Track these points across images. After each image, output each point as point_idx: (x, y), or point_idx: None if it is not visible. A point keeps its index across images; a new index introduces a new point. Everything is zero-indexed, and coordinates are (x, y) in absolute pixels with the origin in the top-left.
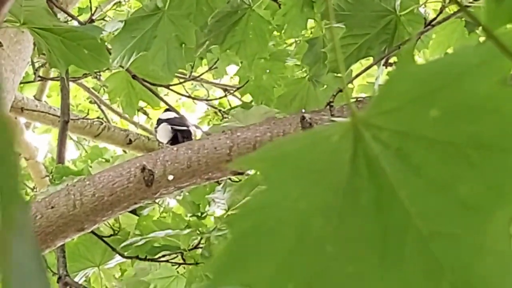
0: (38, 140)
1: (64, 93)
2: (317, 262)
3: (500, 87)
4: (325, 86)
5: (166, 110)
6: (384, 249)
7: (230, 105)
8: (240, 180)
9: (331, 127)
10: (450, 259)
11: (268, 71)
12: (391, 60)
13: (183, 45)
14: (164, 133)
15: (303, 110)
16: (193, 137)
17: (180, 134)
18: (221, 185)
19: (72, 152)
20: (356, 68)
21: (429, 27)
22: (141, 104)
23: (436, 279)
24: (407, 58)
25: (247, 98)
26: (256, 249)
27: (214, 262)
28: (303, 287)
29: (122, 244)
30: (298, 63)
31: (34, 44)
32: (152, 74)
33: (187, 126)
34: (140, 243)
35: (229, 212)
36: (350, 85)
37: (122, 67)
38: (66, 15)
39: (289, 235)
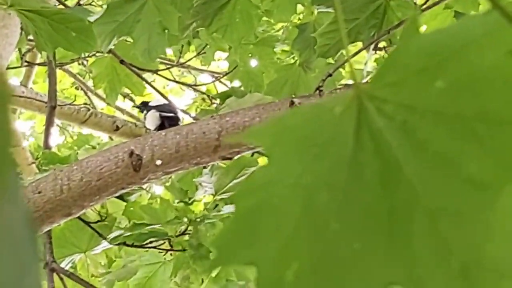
0: (23, 126)
1: (51, 78)
2: (322, 239)
3: (508, 58)
4: (316, 71)
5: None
6: (391, 226)
7: (217, 91)
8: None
9: (334, 99)
10: (459, 237)
11: (256, 56)
12: (380, 45)
13: (166, 31)
14: (152, 120)
15: (294, 95)
16: (180, 124)
17: (167, 121)
18: (208, 169)
19: (56, 138)
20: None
21: (418, 12)
22: (128, 90)
23: (445, 257)
24: (412, 29)
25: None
26: (260, 226)
27: (218, 239)
28: (308, 265)
29: (110, 236)
30: (287, 48)
31: (21, 29)
32: (138, 60)
33: (175, 113)
34: (127, 233)
35: (217, 196)
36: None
37: (102, 52)
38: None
39: (293, 212)
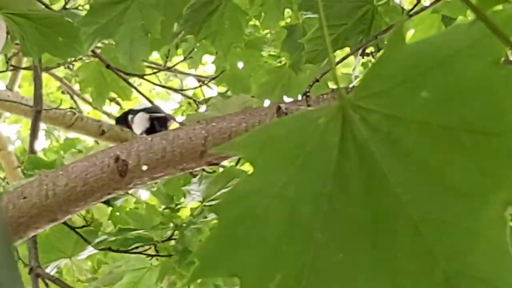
0: (8, 130)
1: (37, 82)
2: (307, 251)
3: (493, 68)
4: (307, 72)
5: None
6: (375, 236)
7: (204, 95)
8: (214, 171)
9: (318, 109)
10: (443, 246)
11: (243, 59)
12: (368, 51)
13: (149, 35)
14: (141, 122)
15: (285, 97)
16: (169, 125)
17: (157, 122)
18: (197, 177)
19: (41, 142)
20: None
21: (405, 17)
22: (114, 94)
23: (429, 267)
24: (397, 39)
25: (222, 89)
26: (243, 237)
27: (200, 250)
28: (292, 276)
29: (96, 241)
30: (273, 53)
31: (7, 33)
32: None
33: (163, 114)
34: (112, 238)
35: (204, 203)
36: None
37: (88, 56)
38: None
39: (277, 223)
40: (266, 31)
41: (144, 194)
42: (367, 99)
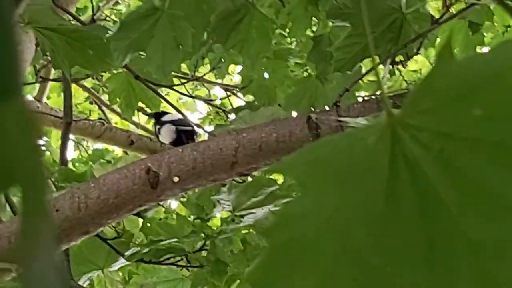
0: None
1: (67, 94)
2: (361, 275)
3: None
4: (334, 82)
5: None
6: (431, 259)
7: (231, 104)
8: (244, 181)
9: (367, 128)
10: (504, 268)
11: (269, 70)
12: (397, 59)
13: (180, 46)
14: (167, 134)
15: (313, 109)
16: (196, 138)
17: (184, 135)
18: (227, 187)
19: (70, 152)
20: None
21: (435, 25)
22: (142, 104)
23: None
24: (445, 54)
25: (249, 98)
26: (295, 262)
27: (252, 274)
28: None
29: (127, 253)
30: (299, 61)
31: (36, 45)
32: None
33: (191, 126)
34: (144, 250)
35: (235, 213)
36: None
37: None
38: (67, 15)
39: (329, 247)
40: (293, 41)
41: (173, 203)
42: (417, 116)
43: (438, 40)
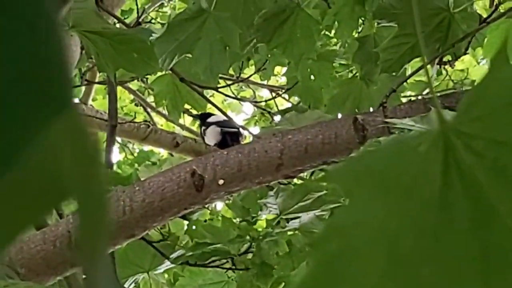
0: None
1: (112, 97)
2: (411, 287)
3: None
4: (379, 84)
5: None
6: (485, 271)
7: (277, 106)
8: (290, 183)
9: (417, 135)
10: None
11: (315, 72)
12: (444, 59)
13: (227, 47)
14: (212, 135)
15: (357, 110)
16: (241, 139)
17: (229, 137)
18: (274, 190)
19: (116, 154)
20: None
21: (484, 24)
22: (187, 105)
23: None
24: (500, 59)
25: (294, 99)
26: (344, 273)
27: (301, 286)
28: None
29: (173, 255)
30: (344, 62)
31: (81, 48)
32: (198, 77)
33: (236, 128)
34: (189, 253)
35: (282, 216)
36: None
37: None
38: (112, 18)
39: (378, 258)
40: (338, 42)
41: (219, 205)
42: (470, 124)
43: (486, 39)
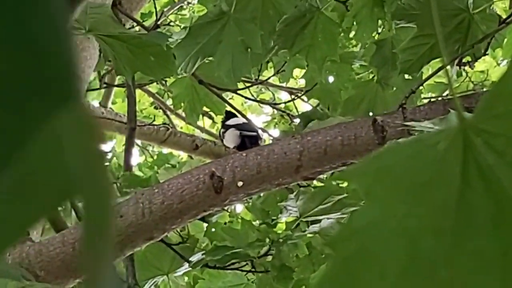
0: (103, 146)
1: (131, 100)
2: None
3: None
4: (394, 89)
5: (228, 113)
6: (505, 272)
7: (296, 108)
8: (309, 185)
9: (436, 134)
10: None
11: (334, 73)
12: (464, 60)
13: (249, 50)
14: (231, 138)
15: (371, 113)
16: (260, 143)
17: (248, 140)
18: (294, 193)
19: (136, 157)
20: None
21: (503, 25)
22: (206, 108)
23: None
24: None
25: (314, 101)
26: (362, 274)
27: (318, 286)
28: None
29: (192, 259)
30: (363, 63)
31: (100, 51)
32: (217, 79)
33: (255, 131)
34: (208, 258)
35: (301, 219)
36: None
37: (186, 73)
38: (131, 21)
39: (397, 259)
40: (356, 44)
41: (238, 207)
42: (490, 121)
43: (506, 40)
